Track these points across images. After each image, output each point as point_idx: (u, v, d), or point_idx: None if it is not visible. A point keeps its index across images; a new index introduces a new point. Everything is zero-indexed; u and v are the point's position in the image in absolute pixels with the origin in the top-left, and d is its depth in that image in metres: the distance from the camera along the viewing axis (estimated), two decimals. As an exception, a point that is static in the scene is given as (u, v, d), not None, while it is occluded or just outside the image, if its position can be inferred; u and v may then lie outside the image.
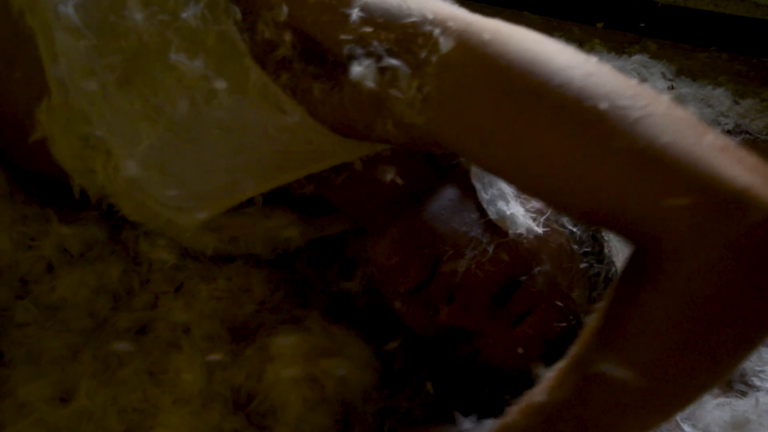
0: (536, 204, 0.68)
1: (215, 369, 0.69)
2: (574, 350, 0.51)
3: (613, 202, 0.48)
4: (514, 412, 0.53)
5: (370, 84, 0.54)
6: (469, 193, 0.67)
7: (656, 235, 0.47)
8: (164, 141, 0.62)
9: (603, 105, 0.48)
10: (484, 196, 0.67)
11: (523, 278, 0.64)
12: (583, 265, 0.68)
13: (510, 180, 0.55)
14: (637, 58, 1.53)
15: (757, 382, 0.75)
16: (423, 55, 0.53)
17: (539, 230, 0.66)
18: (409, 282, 0.65)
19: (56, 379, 0.66)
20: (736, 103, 1.47)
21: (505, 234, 0.64)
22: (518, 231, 0.65)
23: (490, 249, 0.63)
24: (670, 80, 1.47)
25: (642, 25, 1.70)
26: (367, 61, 0.54)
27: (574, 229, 0.69)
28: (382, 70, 0.54)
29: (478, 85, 0.51)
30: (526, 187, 0.55)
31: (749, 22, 1.73)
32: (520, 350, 0.65)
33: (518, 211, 0.66)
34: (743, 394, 0.74)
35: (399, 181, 0.66)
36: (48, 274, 0.77)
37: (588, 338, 0.50)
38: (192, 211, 0.68)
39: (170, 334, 0.72)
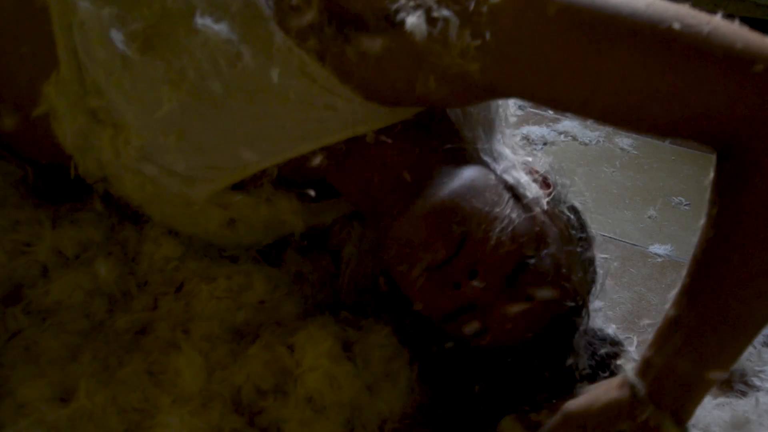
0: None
1: (215, 369, 0.69)
2: (692, 266, 0.59)
3: (701, 110, 0.55)
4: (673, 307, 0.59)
5: (421, 35, 0.57)
6: (484, 171, 0.70)
7: (746, 133, 0.54)
8: (186, 105, 0.63)
9: (676, 25, 0.54)
10: (497, 167, 0.70)
11: (532, 260, 0.66)
12: (578, 250, 0.71)
13: (581, 109, 0.60)
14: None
15: (757, 382, 0.75)
16: (472, 4, 0.56)
17: (545, 205, 0.70)
18: (436, 257, 0.66)
19: (56, 379, 0.65)
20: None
21: (522, 213, 0.67)
22: (536, 197, 0.69)
23: (510, 228, 0.65)
24: (670, 80, 1.47)
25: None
26: (418, 12, 0.57)
27: (571, 216, 0.72)
28: (432, 21, 0.57)
29: (541, 24, 0.55)
30: (602, 113, 0.59)
31: (749, 22, 1.73)
32: (530, 325, 0.68)
33: (529, 181, 0.70)
34: (743, 394, 0.74)
35: (406, 172, 0.69)
36: (42, 278, 0.76)
37: (702, 250, 0.58)
38: (203, 182, 0.69)
39: (170, 334, 0.72)
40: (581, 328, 0.71)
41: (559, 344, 0.70)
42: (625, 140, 1.31)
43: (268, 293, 0.76)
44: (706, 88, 0.54)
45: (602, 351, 0.74)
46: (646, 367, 0.61)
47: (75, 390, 0.63)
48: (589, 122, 1.35)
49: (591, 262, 0.74)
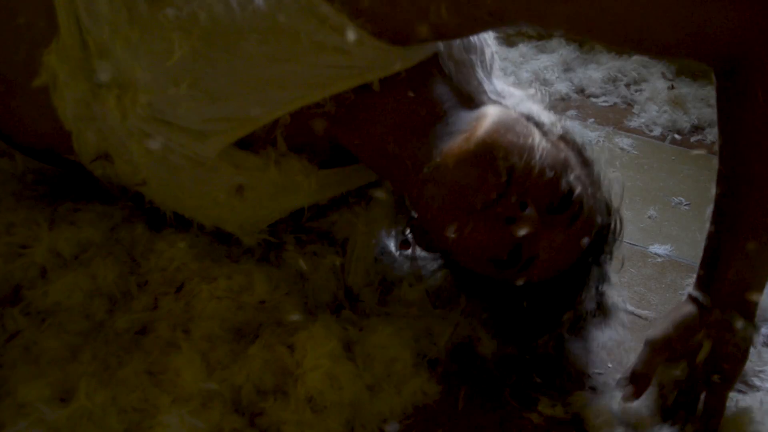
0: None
1: (215, 369, 0.69)
2: (718, 181, 0.66)
3: (703, 27, 0.59)
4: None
5: None
6: (502, 107, 0.72)
7: (746, 48, 0.59)
8: (197, 52, 0.63)
9: None
10: (508, 103, 0.73)
11: (567, 185, 0.68)
12: (596, 170, 0.75)
13: (588, 31, 0.63)
14: (637, 58, 1.53)
15: (757, 382, 0.75)
16: None
17: (560, 130, 0.73)
18: (489, 196, 0.66)
19: (56, 379, 0.66)
20: (737, 103, 1.46)
21: (552, 141, 0.70)
22: (553, 124, 0.73)
23: (546, 156, 0.68)
24: (670, 80, 1.47)
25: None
26: None
27: (578, 139, 0.75)
28: None
29: None
30: (609, 33, 0.62)
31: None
32: (576, 247, 0.70)
33: (541, 109, 0.74)
34: (743, 394, 0.74)
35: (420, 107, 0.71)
36: (41, 279, 0.76)
37: (723, 168, 0.66)
38: (215, 136, 0.69)
39: (170, 334, 0.72)
40: (618, 237, 0.77)
41: (600, 258, 0.75)
42: (625, 140, 1.31)
43: (268, 293, 0.76)
44: (709, 5, 0.58)
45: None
46: (702, 280, 0.70)
47: (75, 390, 0.63)
48: (589, 122, 1.35)
49: (605, 178, 0.76)
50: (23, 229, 0.78)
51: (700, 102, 1.40)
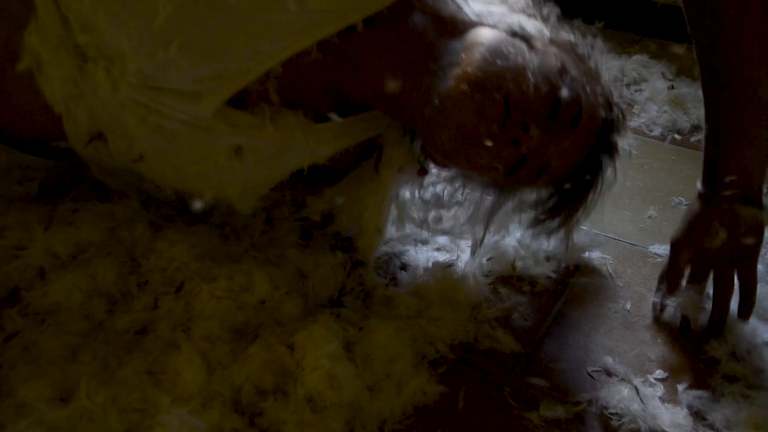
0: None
1: (215, 369, 0.69)
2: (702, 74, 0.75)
3: None
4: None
5: None
6: (486, 29, 0.73)
7: None
8: (182, 10, 0.64)
9: None
10: (491, 21, 0.74)
11: (563, 92, 0.70)
12: (591, 65, 0.77)
13: None
14: (637, 58, 1.52)
15: (758, 382, 0.75)
16: None
17: (549, 35, 0.75)
18: (491, 127, 0.69)
19: (56, 379, 0.65)
20: (736, 103, 1.46)
21: (536, 52, 0.72)
22: (539, 32, 0.74)
23: (536, 71, 0.70)
24: (670, 80, 1.46)
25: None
26: None
27: (570, 35, 0.78)
28: None
29: None
30: None
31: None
32: (584, 147, 0.75)
33: (525, 19, 0.75)
34: (744, 395, 0.73)
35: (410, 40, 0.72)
36: (40, 280, 0.76)
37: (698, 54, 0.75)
38: (209, 95, 0.69)
39: (170, 334, 0.72)
40: (621, 127, 0.80)
41: (607, 147, 0.79)
42: (624, 140, 1.30)
43: (268, 293, 0.76)
44: None
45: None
46: (705, 176, 0.78)
47: (75, 390, 0.63)
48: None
49: (602, 66, 0.79)
50: (16, 232, 0.78)
51: (700, 102, 1.38)
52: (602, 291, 0.90)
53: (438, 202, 0.87)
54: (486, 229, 0.84)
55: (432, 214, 0.89)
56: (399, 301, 0.81)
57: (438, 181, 0.87)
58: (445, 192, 0.86)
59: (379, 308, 0.80)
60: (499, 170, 0.73)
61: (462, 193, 0.86)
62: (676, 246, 0.82)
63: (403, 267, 0.88)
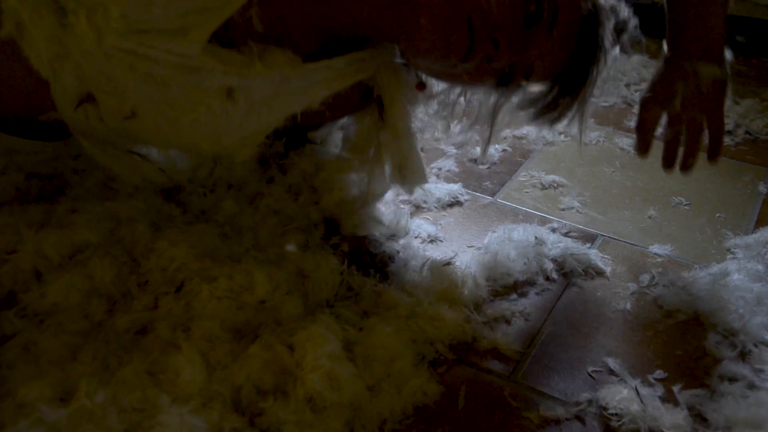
0: None
1: (215, 369, 0.69)
2: None
3: None
4: None
5: None
6: None
7: None
8: None
9: None
10: None
11: None
12: None
13: None
14: (637, 58, 1.53)
15: (757, 382, 0.75)
16: None
17: None
18: (460, 50, 0.72)
19: (56, 379, 0.65)
20: (736, 103, 1.47)
21: None
22: None
23: None
24: (670, 80, 1.47)
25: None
26: None
27: None
28: None
29: None
30: None
31: (749, 22, 1.73)
32: (568, 43, 0.77)
33: None
34: (744, 395, 0.73)
35: None
36: (37, 281, 0.76)
37: None
38: (196, 29, 0.69)
39: (170, 334, 0.72)
40: (608, 20, 0.81)
41: (592, 40, 0.80)
42: (624, 140, 1.31)
43: (268, 293, 0.76)
44: None
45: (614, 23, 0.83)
46: (669, 41, 0.85)
47: (75, 390, 0.63)
48: (589, 122, 1.35)
49: None
50: (5, 236, 0.78)
51: (700, 102, 1.39)
52: (602, 291, 0.90)
53: (445, 109, 0.90)
54: (492, 127, 0.87)
55: (441, 124, 0.93)
56: (399, 301, 0.81)
57: (439, 92, 0.89)
58: (450, 98, 0.89)
59: (379, 308, 0.80)
60: (490, 82, 0.77)
61: (465, 98, 0.88)
62: (643, 103, 0.88)
63: (403, 266, 0.88)
